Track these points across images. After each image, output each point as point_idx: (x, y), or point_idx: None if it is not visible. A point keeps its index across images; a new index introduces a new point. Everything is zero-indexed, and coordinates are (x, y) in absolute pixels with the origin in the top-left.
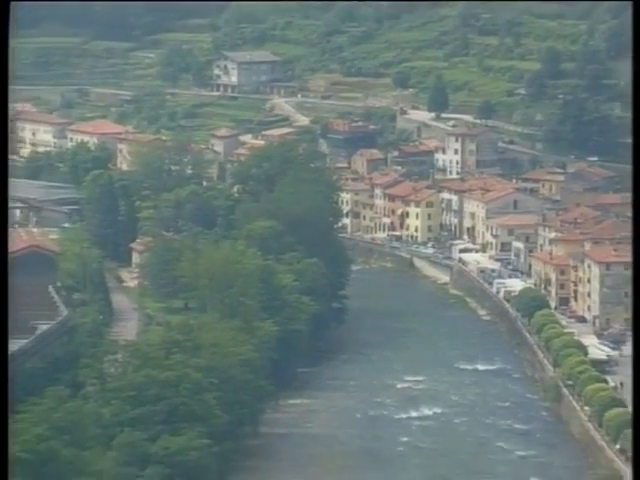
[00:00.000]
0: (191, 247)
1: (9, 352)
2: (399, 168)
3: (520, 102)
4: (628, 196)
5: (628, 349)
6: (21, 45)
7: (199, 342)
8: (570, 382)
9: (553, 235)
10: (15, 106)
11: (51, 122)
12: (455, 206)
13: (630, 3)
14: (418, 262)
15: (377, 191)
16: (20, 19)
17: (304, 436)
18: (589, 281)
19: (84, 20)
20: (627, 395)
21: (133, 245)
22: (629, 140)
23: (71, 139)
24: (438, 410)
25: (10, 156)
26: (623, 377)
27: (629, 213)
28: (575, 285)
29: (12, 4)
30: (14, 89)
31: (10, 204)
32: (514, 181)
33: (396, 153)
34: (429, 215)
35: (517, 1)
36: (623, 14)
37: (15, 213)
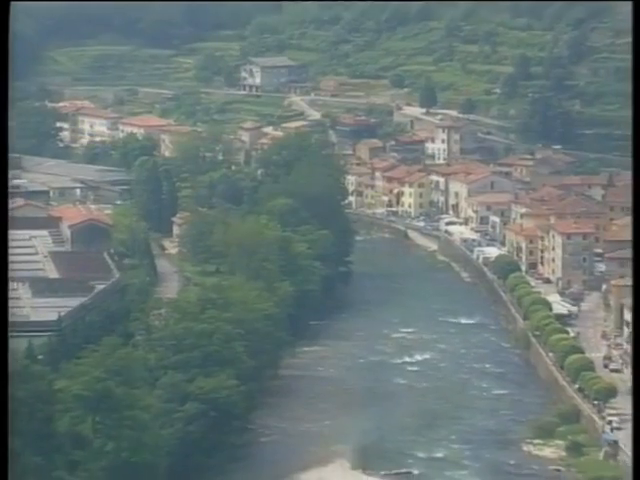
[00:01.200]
0: (222, 221)
1: (9, 351)
2: (396, 155)
3: (496, 100)
4: (587, 178)
5: (585, 305)
6: (81, 52)
7: (229, 300)
8: (537, 333)
9: (524, 210)
10: (76, 103)
11: (106, 116)
12: (442, 186)
13: (630, 3)
14: (411, 233)
15: (377, 174)
16: (79, 31)
17: (316, 378)
18: (553, 249)
19: (134, 31)
20: (584, 343)
21: (174, 219)
22: (587, 131)
23: (122, 131)
24: (427, 356)
25: (72, 144)
26: (580, 328)
27: (588, 192)
28: (542, 252)
29: (12, 4)
30: (76, 89)
31: (71, 185)
32: (491, 166)
33: (393, 142)
34: (420, 194)
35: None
36: (582, 25)
37: (76, 192)
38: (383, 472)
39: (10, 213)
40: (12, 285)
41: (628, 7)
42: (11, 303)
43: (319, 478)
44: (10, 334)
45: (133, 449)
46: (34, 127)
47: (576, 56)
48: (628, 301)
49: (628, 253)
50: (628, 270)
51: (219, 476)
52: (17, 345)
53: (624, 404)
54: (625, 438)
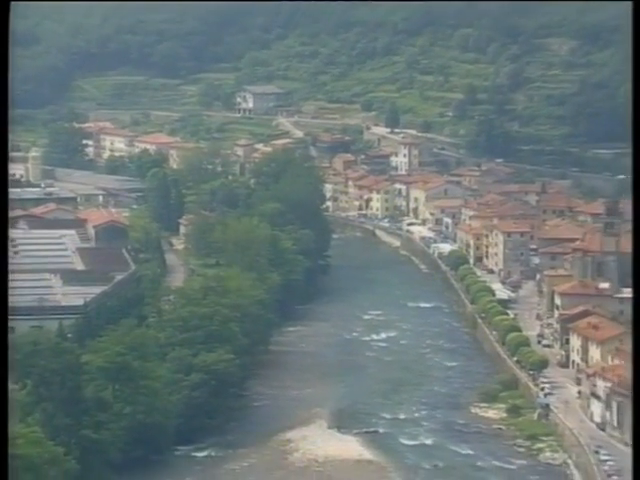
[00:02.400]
0: (221, 222)
1: (9, 350)
2: (365, 167)
3: (449, 121)
4: (524, 186)
5: (522, 292)
6: (103, 82)
7: (226, 288)
8: (483, 315)
9: (472, 213)
10: (99, 124)
11: (123, 135)
12: (404, 193)
13: (630, 3)
14: (378, 232)
15: (350, 183)
16: (101, 63)
17: (300, 353)
18: (496, 245)
19: (147, 64)
20: (521, 323)
21: (180, 220)
22: (524, 147)
23: (137, 147)
24: (392, 334)
25: (95, 158)
26: (518, 311)
27: (525, 198)
28: (486, 248)
29: (12, 4)
30: (98, 112)
31: (95, 192)
32: (445, 176)
33: (363, 156)
34: (386, 199)
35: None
36: (519, 60)
37: (99, 198)
38: (355, 430)
39: (44, 216)
40: (46, 276)
41: (559, 43)
42: (45, 291)
43: (302, 436)
44: (44, 317)
45: (147, 412)
46: (64, 144)
47: (514, 85)
48: (558, 288)
49: (558, 248)
50: (558, 263)
51: (219, 434)
52: (50, 325)
53: (554, 374)
54: (555, 402)
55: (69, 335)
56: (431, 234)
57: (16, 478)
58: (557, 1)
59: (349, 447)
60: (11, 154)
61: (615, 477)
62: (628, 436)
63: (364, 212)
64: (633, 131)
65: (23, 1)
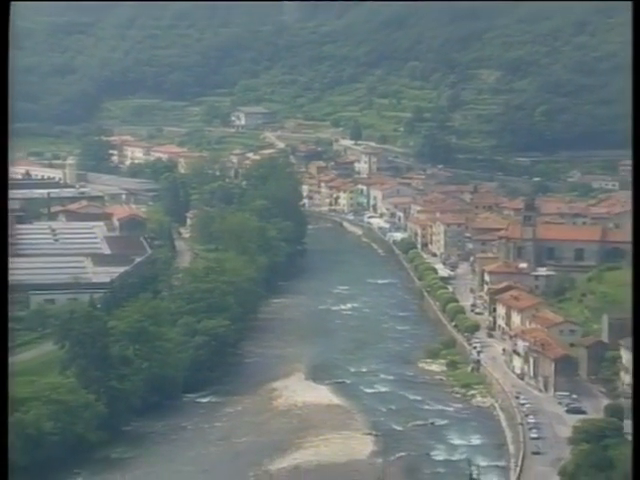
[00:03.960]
0: (219, 215)
1: (9, 350)
2: (334, 171)
3: (400, 135)
4: (460, 186)
5: (459, 271)
6: (126, 104)
7: (224, 268)
8: (428, 289)
9: (419, 208)
10: (122, 137)
11: (141, 146)
12: (365, 193)
13: (630, 3)
14: (345, 224)
15: (322, 184)
16: (124, 89)
17: (283, 320)
18: (438, 234)
19: (160, 90)
20: (458, 295)
21: (187, 214)
22: (460, 156)
23: (152, 155)
24: (356, 305)
25: (119, 165)
26: (456, 286)
27: (461, 196)
28: (431, 236)
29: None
30: (121, 128)
31: (119, 192)
32: (397, 179)
33: (333, 163)
34: (351, 197)
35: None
36: (456, 86)
37: (122, 197)
38: (326, 381)
39: (78, 211)
40: (80, 258)
41: (487, 74)
42: (79, 271)
43: (284, 386)
44: (78, 291)
45: (161, 367)
46: (94, 153)
47: (453, 106)
48: (487, 268)
49: (487, 236)
50: (487, 247)
51: (218, 384)
52: (83, 298)
53: (484, 335)
54: (484, 358)
55: (98, 305)
56: (387, 225)
57: (57, 420)
58: (488, 39)
59: (321, 394)
60: (52, 161)
61: (531, 416)
62: (542, 384)
63: (333, 208)
64: (633, 131)
65: (23, 1)
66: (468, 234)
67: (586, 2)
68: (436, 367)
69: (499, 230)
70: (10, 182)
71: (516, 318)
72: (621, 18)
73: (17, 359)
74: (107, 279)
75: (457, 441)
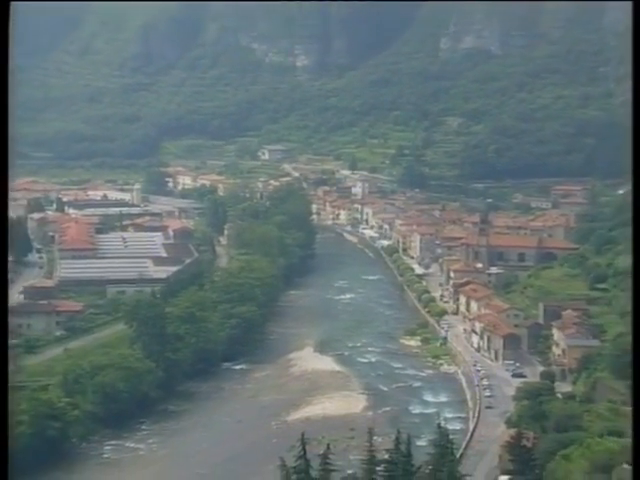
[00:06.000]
0: (249, 227)
1: (9, 350)
2: (336, 194)
3: (387, 166)
4: (431, 206)
5: (431, 270)
6: (179, 143)
7: (252, 267)
8: (407, 283)
9: (401, 222)
10: (176, 168)
11: (190, 175)
12: (359, 210)
13: (630, 3)
14: (344, 234)
15: (327, 204)
16: (177, 132)
17: (297, 307)
18: (415, 241)
19: (205, 132)
20: (430, 288)
21: (225, 227)
22: (433, 182)
23: (199, 182)
24: (353, 295)
25: (174, 189)
26: (428, 282)
27: (432, 213)
28: (410, 243)
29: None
30: (176, 162)
31: (173, 209)
32: (384, 200)
33: (335, 188)
34: (349, 214)
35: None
36: (429, 129)
37: (175, 213)
38: (330, 353)
39: (143, 224)
40: (144, 260)
41: (452, 120)
42: (142, 270)
43: (298, 357)
44: (143, 285)
45: (205, 342)
46: (155, 181)
47: (426, 145)
48: (452, 267)
49: (452, 243)
50: (452, 252)
51: (248, 356)
52: (146, 290)
53: (449, 319)
54: (450, 336)
55: (158, 296)
56: (376, 235)
57: (127, 381)
58: (452, 94)
59: (326, 363)
60: (123, 187)
61: (485, 379)
62: (493, 355)
63: (336, 222)
64: (633, 132)
65: (23, 1)
66: (438, 242)
67: (526, 66)
68: (413, 342)
69: (461, 239)
70: (91, 202)
71: (474, 305)
72: (553, 79)
73: (97, 336)
74: (164, 275)
75: (429, 398)
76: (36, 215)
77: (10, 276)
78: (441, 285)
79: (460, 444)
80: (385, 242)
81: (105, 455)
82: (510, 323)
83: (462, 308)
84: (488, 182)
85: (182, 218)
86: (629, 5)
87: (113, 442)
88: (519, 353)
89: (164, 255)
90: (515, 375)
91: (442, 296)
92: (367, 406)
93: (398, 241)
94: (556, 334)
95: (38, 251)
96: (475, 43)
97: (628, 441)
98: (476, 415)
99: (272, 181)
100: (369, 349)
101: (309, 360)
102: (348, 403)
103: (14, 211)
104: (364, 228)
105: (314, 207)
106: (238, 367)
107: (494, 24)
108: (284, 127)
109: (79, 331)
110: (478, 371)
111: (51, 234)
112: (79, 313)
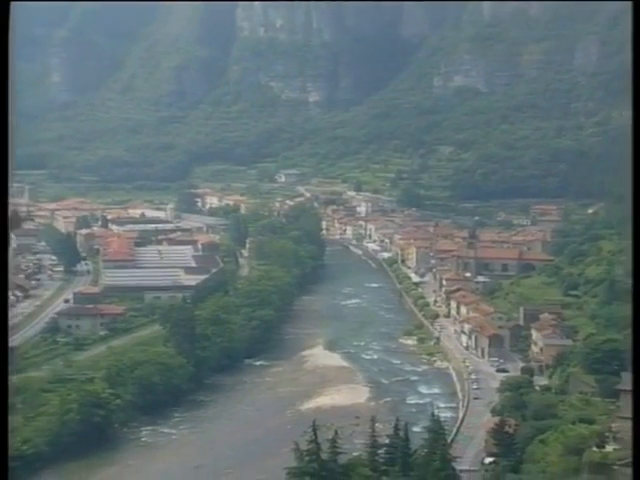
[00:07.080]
0: (267, 242)
1: (9, 350)
2: (343, 212)
3: (387, 188)
4: (426, 223)
5: (426, 278)
6: (207, 169)
7: (270, 276)
8: (405, 290)
9: (399, 237)
10: (204, 190)
11: (217, 195)
12: (364, 226)
13: (630, 4)
14: (351, 247)
15: (335, 221)
16: (207, 160)
17: (309, 310)
18: (412, 254)
19: (229, 158)
20: (425, 294)
21: (246, 241)
22: (427, 202)
23: (224, 202)
24: (358, 301)
25: (202, 208)
26: (424, 288)
27: (427, 229)
28: (407, 255)
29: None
30: (205, 184)
31: (201, 225)
32: (385, 217)
33: (342, 207)
34: (354, 229)
35: None
36: (424, 156)
37: (203, 229)
38: (338, 351)
39: (175, 238)
40: (176, 270)
41: (444, 149)
42: (175, 278)
43: (310, 354)
44: (175, 291)
45: (229, 341)
46: (186, 201)
47: (421, 170)
48: (444, 276)
49: (444, 255)
50: (444, 263)
51: (267, 352)
52: (178, 295)
53: (442, 321)
54: (442, 336)
55: (188, 301)
56: (378, 248)
57: (161, 375)
58: (444, 125)
59: (335, 360)
60: (159, 206)
61: (473, 374)
62: (480, 353)
63: (343, 236)
64: (633, 132)
65: (23, 1)
66: (432, 254)
67: (508, 102)
68: (410, 342)
69: (452, 251)
70: (131, 220)
71: (463, 309)
72: (532, 113)
73: (136, 335)
74: (194, 283)
75: (424, 391)
76: (84, 231)
77: (61, 284)
78: (435, 292)
79: (451, 430)
80: (386, 254)
81: (143, 439)
82: (495, 325)
83: (453, 312)
84: (476, 202)
85: (209, 233)
86: (597, 46)
87: (150, 428)
88: (502, 351)
89: (194, 265)
90: (499, 370)
91: (435, 301)
92: (370, 397)
93: (397, 253)
94: (534, 334)
95: (86, 262)
96: (464, 81)
97: (597, 427)
98: (465, 405)
99: (288, 201)
100: (372, 347)
101: (320, 357)
102: (354, 394)
103: (65, 227)
104: (367, 242)
105: (324, 224)
106: (258, 363)
107: (480, 65)
108: (298, 154)
109: (120, 331)
110: (467, 367)
111: (96, 247)
112: (120, 316)
